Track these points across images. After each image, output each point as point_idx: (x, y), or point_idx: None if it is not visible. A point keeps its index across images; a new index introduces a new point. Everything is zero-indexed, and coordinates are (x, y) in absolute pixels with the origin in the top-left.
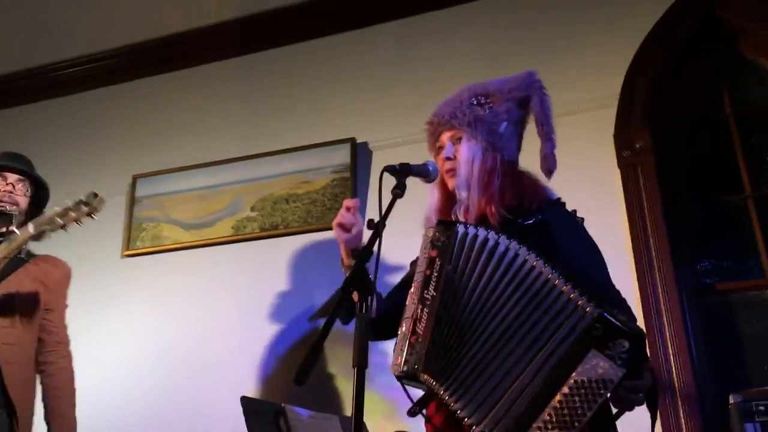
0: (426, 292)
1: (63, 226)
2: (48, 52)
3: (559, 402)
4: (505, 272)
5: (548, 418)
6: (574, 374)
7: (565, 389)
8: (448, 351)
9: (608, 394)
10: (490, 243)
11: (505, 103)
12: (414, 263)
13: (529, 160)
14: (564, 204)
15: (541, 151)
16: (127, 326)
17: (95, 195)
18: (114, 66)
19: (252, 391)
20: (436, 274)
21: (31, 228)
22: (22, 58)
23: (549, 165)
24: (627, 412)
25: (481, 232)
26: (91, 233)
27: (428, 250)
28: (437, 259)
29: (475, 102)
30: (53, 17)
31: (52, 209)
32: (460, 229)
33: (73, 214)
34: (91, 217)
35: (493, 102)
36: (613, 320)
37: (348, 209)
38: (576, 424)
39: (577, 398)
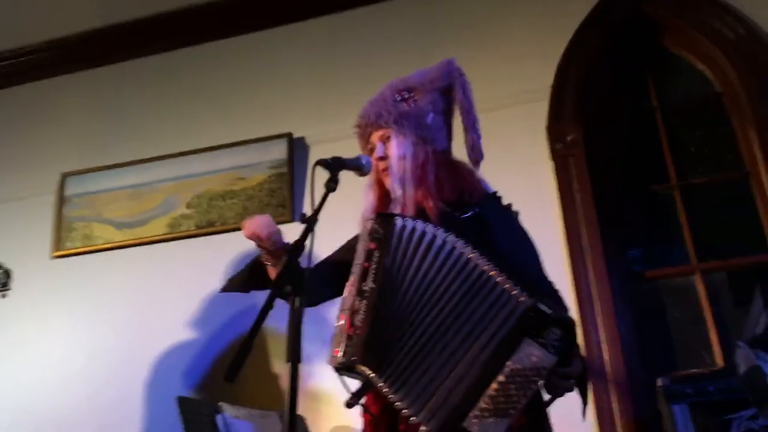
0: (364, 284)
1: None
2: None
3: (495, 390)
4: (443, 265)
5: (485, 406)
6: (509, 363)
7: (501, 377)
8: (386, 343)
9: (541, 381)
10: (428, 236)
11: (429, 94)
12: (349, 242)
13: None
14: (500, 198)
15: (466, 142)
16: (58, 329)
17: (4, 271)
18: (40, 61)
19: (188, 391)
20: (374, 267)
21: None
22: None
23: (476, 155)
24: (559, 399)
25: (419, 226)
26: (18, 234)
27: (366, 242)
28: (376, 251)
29: (398, 98)
30: None
31: None
32: (398, 222)
33: None
34: (2, 296)
35: (417, 95)
36: (545, 309)
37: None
38: (511, 411)
39: (512, 386)
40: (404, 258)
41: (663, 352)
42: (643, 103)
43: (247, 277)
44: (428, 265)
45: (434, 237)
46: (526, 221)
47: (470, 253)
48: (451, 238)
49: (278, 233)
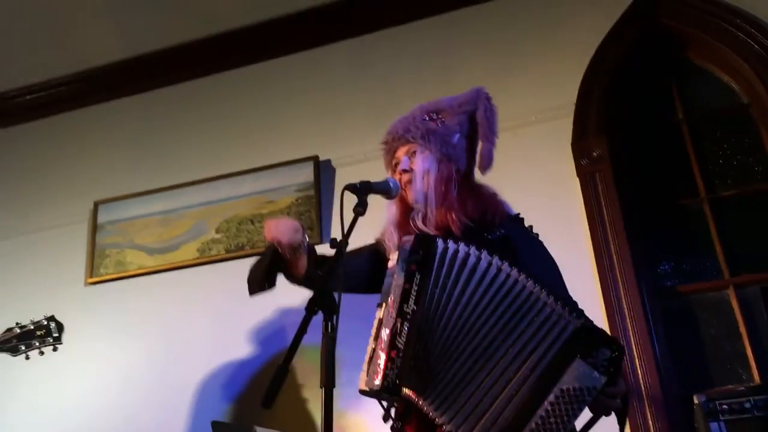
0: (405, 305)
1: (26, 356)
2: (2, 79)
3: (546, 411)
4: (489, 287)
5: (535, 426)
6: (558, 383)
7: (551, 397)
8: (432, 365)
9: (591, 401)
10: (472, 259)
11: (457, 116)
12: (373, 244)
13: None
14: (523, 220)
15: (480, 150)
16: (93, 355)
17: (57, 324)
18: (69, 92)
19: (221, 413)
20: (416, 288)
21: None
22: None
23: (484, 163)
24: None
25: (462, 248)
26: (53, 261)
27: (406, 263)
28: (417, 273)
29: (427, 117)
30: (4, 45)
31: (12, 331)
32: (440, 244)
33: (36, 344)
34: (54, 350)
35: (445, 116)
36: (596, 329)
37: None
38: (562, 430)
39: (563, 405)
40: (448, 280)
41: (698, 369)
42: (668, 116)
43: (267, 274)
44: (474, 287)
45: (478, 259)
46: (554, 238)
47: (516, 275)
48: (496, 260)
49: (299, 237)
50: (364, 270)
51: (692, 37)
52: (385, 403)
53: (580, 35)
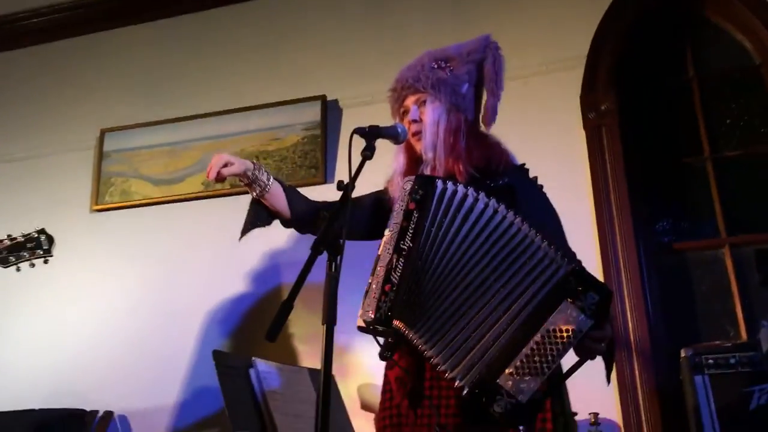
0: (402, 242)
1: (17, 268)
2: (8, 2)
3: (531, 349)
4: (484, 227)
5: (520, 364)
6: (545, 323)
7: (538, 337)
8: (424, 300)
9: (575, 343)
10: (469, 199)
11: (465, 65)
12: (379, 192)
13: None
14: (528, 170)
15: (485, 104)
16: (97, 280)
17: (48, 237)
18: (81, 16)
19: (221, 345)
20: (413, 226)
21: None
22: None
23: (488, 118)
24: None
25: (461, 189)
26: (59, 188)
27: (406, 202)
28: (415, 212)
29: (436, 66)
30: None
31: (3, 243)
32: (439, 184)
33: (26, 255)
34: (45, 262)
35: (453, 65)
36: (586, 273)
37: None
38: (546, 370)
39: (548, 345)
40: (445, 219)
41: (688, 324)
42: (679, 73)
43: (253, 215)
44: (469, 227)
45: (476, 200)
46: (557, 189)
47: (512, 218)
48: (493, 202)
49: (236, 170)
50: (365, 217)
51: None
52: (381, 340)
53: None
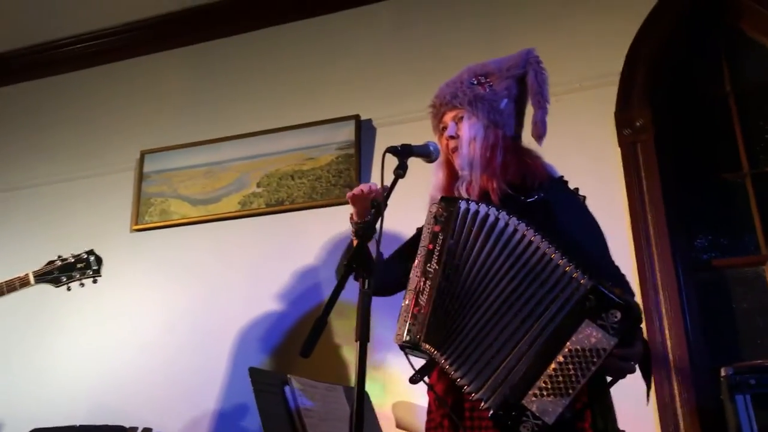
0: (429, 265)
1: (68, 288)
2: (53, 28)
3: (554, 370)
4: (504, 246)
5: (544, 385)
6: (568, 343)
7: (560, 358)
8: (449, 322)
9: (601, 362)
10: (491, 218)
11: (505, 81)
12: (419, 230)
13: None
14: (566, 182)
15: (532, 118)
16: (137, 299)
17: (97, 258)
18: (120, 42)
19: (257, 362)
20: (438, 248)
21: (31, 279)
22: (27, 35)
23: (539, 131)
24: (624, 381)
25: (482, 208)
26: (101, 208)
27: (431, 225)
28: (440, 234)
29: (475, 82)
30: None
31: (53, 263)
32: (462, 204)
33: (77, 275)
34: (94, 282)
35: (493, 81)
36: (606, 291)
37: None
38: (570, 391)
39: (571, 366)
40: (468, 239)
41: (728, 342)
42: (715, 88)
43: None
44: (491, 246)
45: (497, 219)
46: (592, 207)
47: (532, 236)
48: (513, 220)
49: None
50: (397, 269)
51: (747, 8)
52: (415, 362)
53: (630, 1)
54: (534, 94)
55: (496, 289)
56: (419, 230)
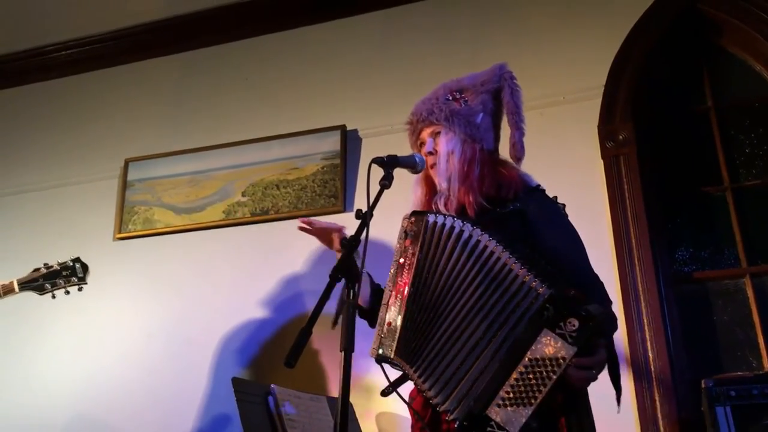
0: (399, 279)
1: (52, 296)
2: (39, 35)
3: (516, 380)
4: (468, 257)
5: (506, 395)
6: (528, 353)
7: (521, 368)
8: (418, 335)
9: (561, 371)
10: (456, 230)
11: (480, 95)
12: None
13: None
14: (543, 191)
15: (510, 139)
16: (119, 308)
17: (83, 265)
18: (106, 50)
19: (240, 372)
20: (408, 262)
21: (16, 287)
22: (12, 41)
23: (517, 153)
24: (604, 392)
25: (448, 221)
26: (84, 216)
27: (402, 239)
28: (410, 247)
29: (450, 98)
30: (44, 1)
31: (38, 271)
32: (430, 218)
33: (62, 283)
34: (79, 289)
35: (468, 96)
36: (563, 300)
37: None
38: (533, 400)
39: (531, 376)
40: (435, 252)
41: (709, 354)
42: (697, 102)
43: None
44: (456, 258)
45: (461, 231)
46: (575, 219)
47: (493, 246)
48: (477, 231)
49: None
50: None
51: (727, 24)
52: (393, 372)
53: (613, 16)
54: (511, 113)
55: (461, 300)
56: None
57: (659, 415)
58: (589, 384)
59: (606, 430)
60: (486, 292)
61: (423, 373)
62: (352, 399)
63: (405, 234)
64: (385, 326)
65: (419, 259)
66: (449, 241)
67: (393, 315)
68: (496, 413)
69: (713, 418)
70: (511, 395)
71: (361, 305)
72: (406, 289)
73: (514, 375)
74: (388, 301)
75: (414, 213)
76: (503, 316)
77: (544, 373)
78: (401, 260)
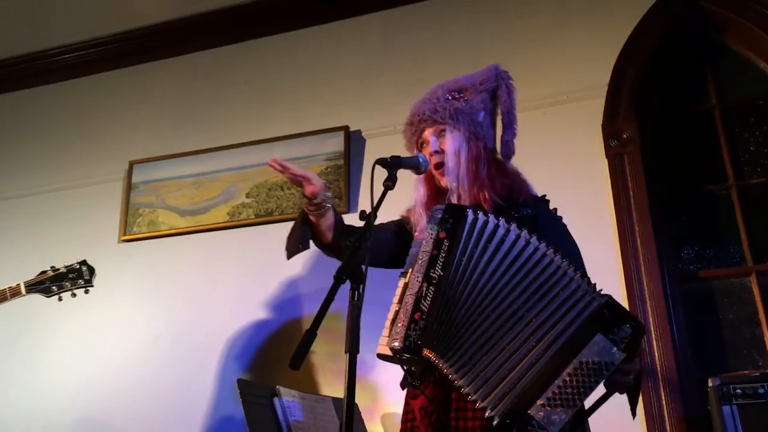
0: (432, 271)
1: (59, 298)
2: (41, 38)
3: (564, 381)
4: (516, 258)
5: (552, 395)
6: (579, 355)
7: (570, 369)
8: (454, 330)
9: (608, 375)
10: (501, 231)
11: (480, 94)
12: (400, 220)
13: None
14: (548, 201)
15: (502, 138)
16: (124, 310)
17: (89, 268)
18: (109, 52)
19: (245, 374)
20: (443, 255)
21: (23, 289)
22: (17, 44)
23: (508, 151)
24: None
25: (492, 219)
26: (89, 218)
27: (435, 230)
28: (445, 240)
29: (450, 97)
30: (46, 3)
31: (45, 273)
32: (470, 214)
33: (68, 285)
34: (85, 292)
35: (467, 95)
36: (619, 307)
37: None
38: (578, 402)
39: (580, 377)
40: (476, 249)
41: (715, 353)
42: (701, 100)
43: (301, 235)
44: (501, 257)
45: (507, 231)
46: (579, 218)
47: (545, 249)
48: (525, 233)
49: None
50: (389, 244)
51: (730, 22)
52: (405, 367)
53: (616, 14)
54: (505, 112)
55: (507, 299)
56: (399, 222)
57: (665, 413)
58: (624, 390)
59: (612, 429)
60: (537, 293)
61: (460, 369)
62: (357, 399)
63: (439, 226)
64: (411, 317)
65: (458, 254)
66: (494, 239)
67: (422, 307)
68: (539, 412)
69: (720, 416)
70: (558, 396)
71: (323, 236)
72: (442, 282)
73: (564, 375)
74: (418, 292)
75: (449, 206)
76: (555, 318)
77: (593, 376)
78: (434, 252)
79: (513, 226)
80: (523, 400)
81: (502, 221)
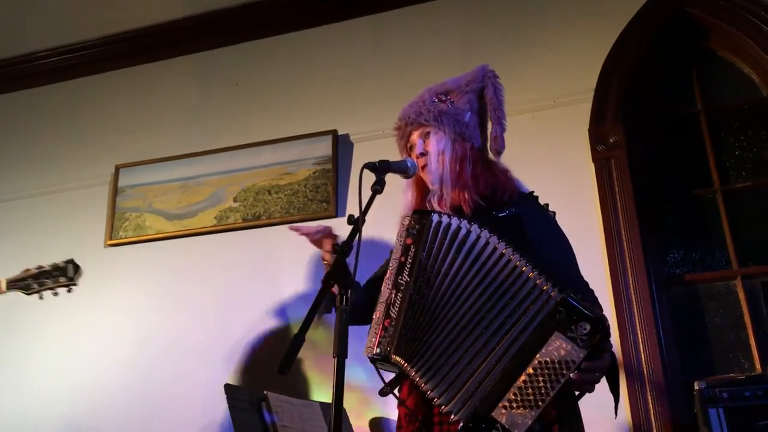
0: (400, 277)
1: (40, 296)
2: (27, 41)
3: (524, 382)
4: (476, 260)
5: (513, 397)
6: (538, 356)
7: (530, 370)
8: (420, 334)
9: (571, 374)
10: (462, 231)
11: (465, 95)
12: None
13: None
14: (537, 198)
15: (491, 133)
16: (110, 315)
17: (74, 266)
18: (96, 55)
19: (232, 378)
20: (410, 261)
21: (3, 286)
22: (1, 47)
23: (498, 146)
24: (599, 395)
25: (454, 221)
26: (75, 222)
27: (403, 237)
28: (412, 246)
29: (436, 99)
30: (32, 6)
31: (29, 271)
32: (435, 217)
33: (50, 283)
34: (68, 291)
35: (453, 97)
36: (576, 304)
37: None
38: (540, 403)
39: (540, 378)
40: (439, 252)
41: (701, 356)
42: (687, 105)
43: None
44: (462, 259)
45: (468, 232)
46: (566, 222)
47: (503, 249)
48: (485, 233)
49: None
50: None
51: (716, 27)
52: (385, 375)
53: (602, 20)
54: (493, 108)
55: (468, 301)
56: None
57: (652, 417)
58: (592, 388)
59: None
60: (495, 294)
61: (426, 373)
62: (345, 404)
63: (407, 232)
64: (382, 325)
65: (422, 258)
66: (456, 241)
67: (392, 314)
68: (501, 415)
69: (706, 419)
70: (519, 397)
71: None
72: (408, 288)
73: (523, 377)
74: (387, 300)
75: (416, 212)
76: (513, 318)
77: (553, 375)
78: (402, 258)
79: (474, 227)
80: (485, 404)
81: (464, 222)
